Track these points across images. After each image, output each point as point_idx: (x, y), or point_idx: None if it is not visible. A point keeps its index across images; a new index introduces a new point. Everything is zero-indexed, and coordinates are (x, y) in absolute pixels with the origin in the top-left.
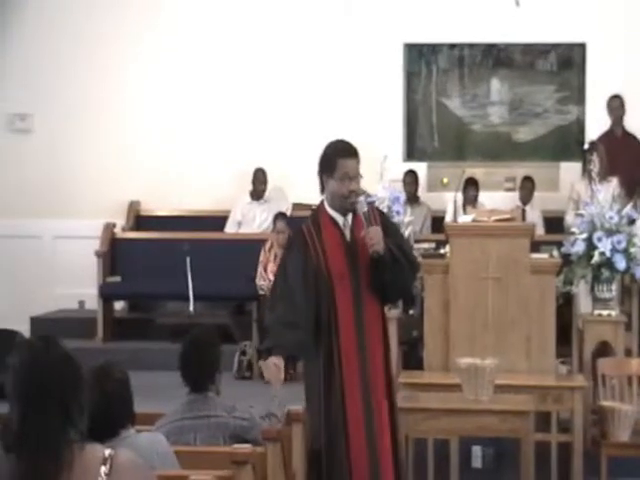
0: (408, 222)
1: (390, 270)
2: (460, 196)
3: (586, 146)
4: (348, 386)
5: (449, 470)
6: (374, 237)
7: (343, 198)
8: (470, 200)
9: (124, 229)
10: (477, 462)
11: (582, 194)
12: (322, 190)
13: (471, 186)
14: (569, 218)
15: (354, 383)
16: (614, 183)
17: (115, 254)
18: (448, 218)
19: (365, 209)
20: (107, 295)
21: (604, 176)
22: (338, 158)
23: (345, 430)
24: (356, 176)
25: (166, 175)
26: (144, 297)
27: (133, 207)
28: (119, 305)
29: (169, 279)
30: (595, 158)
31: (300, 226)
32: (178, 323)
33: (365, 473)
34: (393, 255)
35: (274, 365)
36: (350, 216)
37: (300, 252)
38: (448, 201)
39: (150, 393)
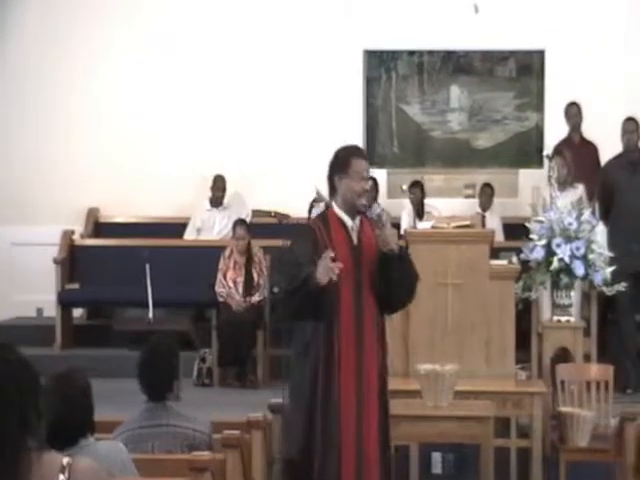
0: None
1: (398, 271)
2: (408, 201)
3: (549, 152)
4: (344, 390)
5: (409, 476)
6: (390, 236)
7: (357, 196)
8: (415, 203)
9: (83, 236)
10: (437, 468)
11: (548, 200)
12: (331, 193)
13: (415, 189)
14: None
15: (350, 386)
16: (580, 189)
17: (74, 261)
18: (404, 224)
19: (379, 210)
20: (65, 302)
21: (571, 182)
22: (352, 158)
23: (338, 437)
24: (367, 178)
25: (125, 181)
26: (103, 304)
27: (92, 214)
28: (78, 312)
29: (128, 286)
30: (556, 164)
31: (308, 222)
32: (137, 330)
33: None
34: (402, 256)
35: (325, 265)
36: (358, 220)
37: (309, 244)
38: (404, 207)
39: (109, 400)
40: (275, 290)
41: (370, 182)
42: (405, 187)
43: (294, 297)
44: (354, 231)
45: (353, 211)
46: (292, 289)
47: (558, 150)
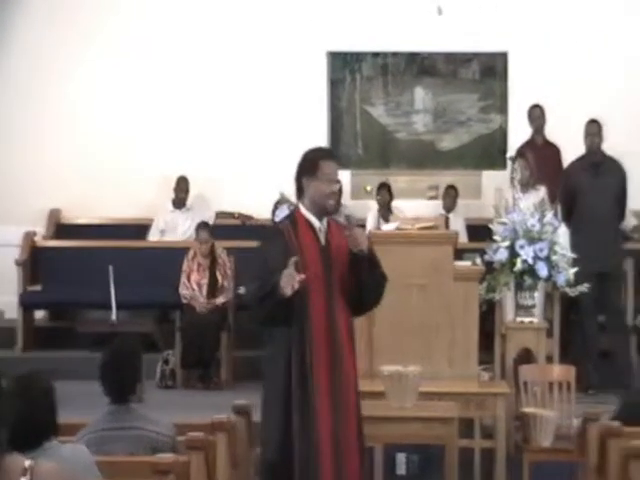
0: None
1: (368, 272)
2: (375, 203)
3: (512, 154)
4: (319, 393)
5: (374, 477)
6: (360, 236)
7: (326, 198)
8: (383, 205)
9: (45, 237)
10: (401, 469)
11: (511, 202)
12: (299, 195)
13: (383, 190)
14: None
15: (324, 389)
16: (542, 191)
17: (36, 262)
18: (369, 226)
19: (347, 212)
20: (27, 304)
21: (533, 184)
22: (321, 160)
23: (316, 437)
24: (337, 180)
25: (87, 183)
26: (65, 306)
27: (54, 215)
28: (40, 314)
29: (91, 288)
30: (519, 166)
31: (277, 224)
32: (100, 332)
33: None
34: (371, 258)
35: (288, 274)
36: (325, 221)
37: (280, 248)
38: (371, 209)
39: (72, 403)
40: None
41: (340, 184)
42: (370, 188)
43: (263, 305)
44: (322, 232)
45: (321, 213)
46: (261, 296)
47: (521, 152)
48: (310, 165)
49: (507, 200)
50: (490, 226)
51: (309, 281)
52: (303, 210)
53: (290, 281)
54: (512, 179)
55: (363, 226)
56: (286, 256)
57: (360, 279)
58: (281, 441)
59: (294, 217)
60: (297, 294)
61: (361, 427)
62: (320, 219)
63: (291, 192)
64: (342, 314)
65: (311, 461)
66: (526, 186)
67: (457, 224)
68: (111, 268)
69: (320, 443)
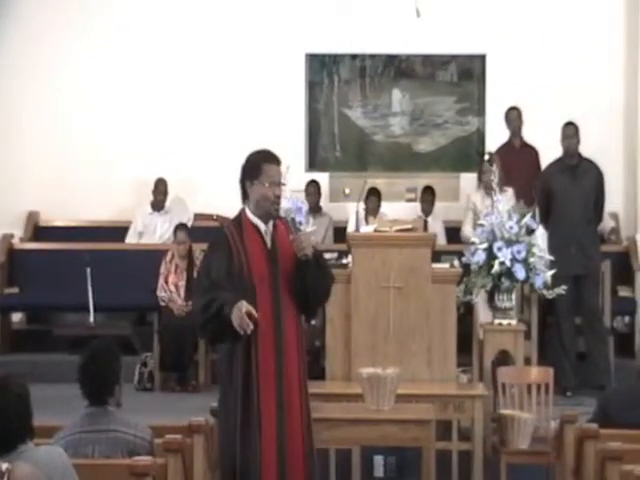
0: (310, 232)
1: (313, 275)
2: (362, 206)
3: (486, 157)
4: (263, 397)
5: None
6: (304, 241)
7: (269, 203)
8: (372, 210)
9: (22, 240)
10: (379, 471)
11: (478, 204)
12: (244, 198)
13: (373, 196)
14: (467, 229)
15: (269, 392)
16: (509, 193)
17: (13, 265)
18: (350, 228)
19: (292, 215)
20: (5, 307)
21: (500, 187)
22: (263, 163)
23: (258, 442)
24: (280, 183)
25: (65, 185)
26: (43, 308)
27: (31, 217)
28: (17, 317)
29: (68, 290)
30: (489, 169)
31: (223, 229)
32: (78, 335)
33: None
34: (317, 261)
35: (239, 311)
36: (271, 224)
37: (224, 253)
38: (350, 211)
39: (49, 406)
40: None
41: (283, 187)
42: (348, 191)
43: (207, 327)
44: (268, 235)
45: (266, 216)
46: (206, 318)
47: (492, 154)
48: (253, 168)
49: (474, 203)
50: (463, 229)
51: (256, 286)
52: (249, 213)
53: (243, 325)
54: (485, 182)
55: (344, 229)
56: (230, 262)
57: (304, 282)
58: (229, 450)
59: (241, 219)
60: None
61: (309, 430)
62: (266, 222)
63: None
64: (290, 316)
65: (254, 466)
66: (494, 189)
67: (435, 226)
68: (89, 270)
69: (263, 447)
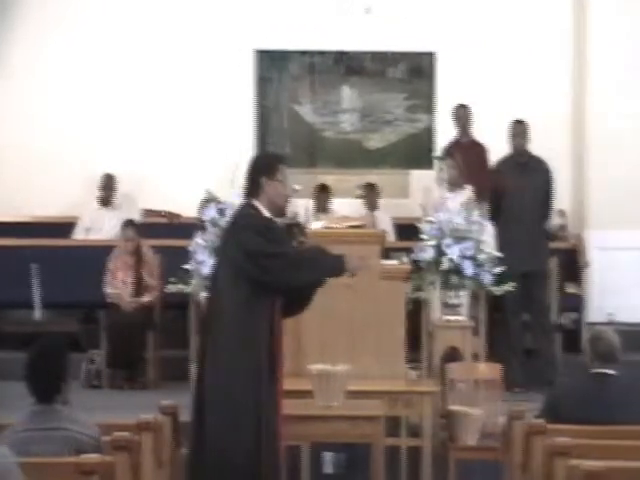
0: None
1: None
2: (311, 203)
3: (438, 154)
4: (280, 392)
5: (300, 476)
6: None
7: (284, 200)
8: (322, 207)
9: None
10: (328, 468)
11: (438, 201)
12: (254, 193)
13: (323, 193)
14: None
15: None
16: (469, 190)
17: None
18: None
19: (298, 219)
20: None
21: (460, 184)
22: (280, 164)
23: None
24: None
25: (11, 180)
26: None
27: None
28: None
29: (15, 287)
30: (447, 166)
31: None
32: (24, 332)
33: None
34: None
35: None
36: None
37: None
38: (300, 208)
39: None
40: (272, 250)
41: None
42: (298, 187)
43: (316, 269)
44: None
45: (276, 213)
46: (318, 261)
47: (449, 152)
48: (270, 166)
49: (435, 199)
50: (417, 225)
51: None
52: (262, 208)
53: (361, 266)
54: (438, 178)
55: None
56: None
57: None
58: (253, 443)
59: (260, 213)
60: None
61: None
62: (277, 218)
63: (217, 190)
64: (280, 315)
65: (275, 465)
66: (454, 185)
67: (385, 223)
68: (35, 267)
69: (280, 446)
